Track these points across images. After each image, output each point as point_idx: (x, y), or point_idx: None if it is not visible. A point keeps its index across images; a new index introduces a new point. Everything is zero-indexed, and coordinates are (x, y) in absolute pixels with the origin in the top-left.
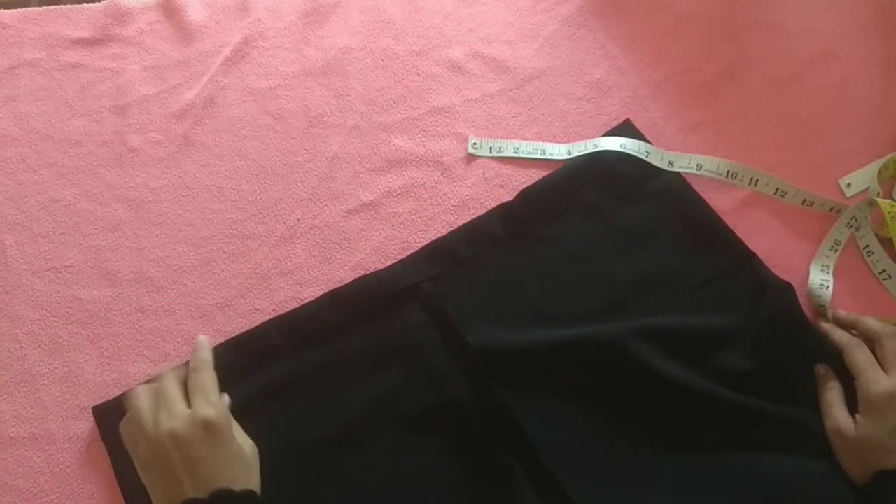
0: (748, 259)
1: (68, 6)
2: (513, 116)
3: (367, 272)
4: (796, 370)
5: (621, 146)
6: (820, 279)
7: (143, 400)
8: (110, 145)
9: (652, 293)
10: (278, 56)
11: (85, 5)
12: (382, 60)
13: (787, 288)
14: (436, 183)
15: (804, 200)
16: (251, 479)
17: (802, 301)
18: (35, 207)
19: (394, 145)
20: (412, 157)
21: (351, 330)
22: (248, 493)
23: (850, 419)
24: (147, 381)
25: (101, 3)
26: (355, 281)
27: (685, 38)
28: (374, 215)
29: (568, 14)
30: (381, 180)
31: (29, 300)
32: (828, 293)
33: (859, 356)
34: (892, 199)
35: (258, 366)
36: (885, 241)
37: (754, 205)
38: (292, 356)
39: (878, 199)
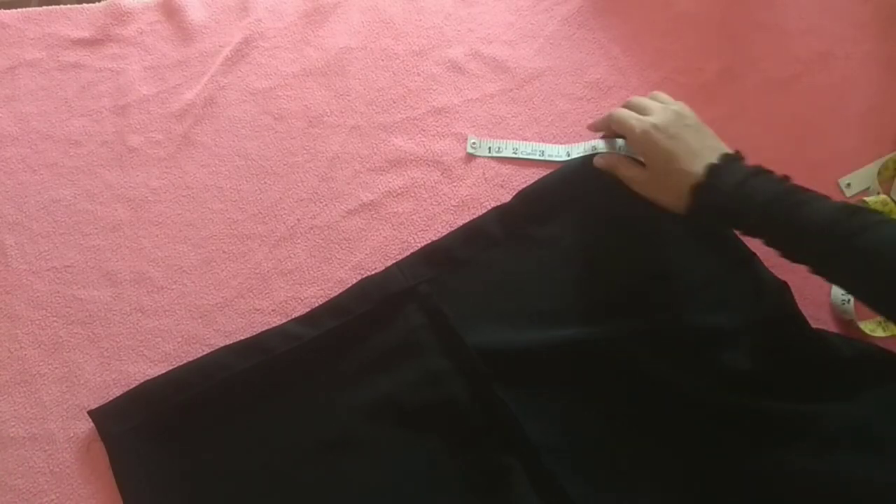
0: (747, 259)
1: (68, 6)
2: (513, 116)
3: (367, 272)
4: (794, 368)
5: (619, 148)
6: (841, 293)
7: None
8: (110, 145)
9: (651, 293)
10: (278, 56)
11: (85, 5)
12: (382, 60)
13: (783, 287)
14: (436, 183)
15: None
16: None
17: (800, 300)
18: (35, 207)
19: (394, 145)
20: (412, 157)
21: (350, 333)
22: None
23: (639, 168)
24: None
25: (101, 3)
26: (353, 287)
27: (685, 38)
28: (374, 215)
29: (568, 14)
30: (381, 180)
31: (29, 300)
32: (850, 306)
33: (621, 112)
34: (891, 199)
35: (259, 370)
36: None
37: None
38: (292, 360)
39: (868, 199)
